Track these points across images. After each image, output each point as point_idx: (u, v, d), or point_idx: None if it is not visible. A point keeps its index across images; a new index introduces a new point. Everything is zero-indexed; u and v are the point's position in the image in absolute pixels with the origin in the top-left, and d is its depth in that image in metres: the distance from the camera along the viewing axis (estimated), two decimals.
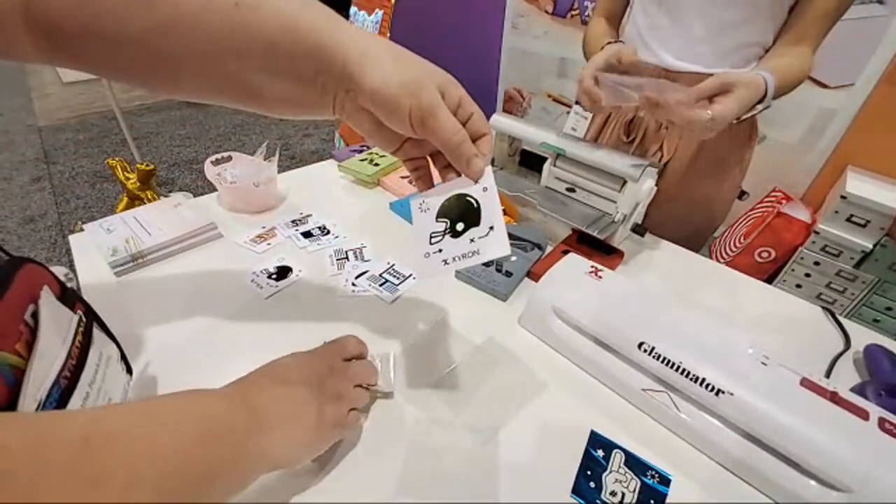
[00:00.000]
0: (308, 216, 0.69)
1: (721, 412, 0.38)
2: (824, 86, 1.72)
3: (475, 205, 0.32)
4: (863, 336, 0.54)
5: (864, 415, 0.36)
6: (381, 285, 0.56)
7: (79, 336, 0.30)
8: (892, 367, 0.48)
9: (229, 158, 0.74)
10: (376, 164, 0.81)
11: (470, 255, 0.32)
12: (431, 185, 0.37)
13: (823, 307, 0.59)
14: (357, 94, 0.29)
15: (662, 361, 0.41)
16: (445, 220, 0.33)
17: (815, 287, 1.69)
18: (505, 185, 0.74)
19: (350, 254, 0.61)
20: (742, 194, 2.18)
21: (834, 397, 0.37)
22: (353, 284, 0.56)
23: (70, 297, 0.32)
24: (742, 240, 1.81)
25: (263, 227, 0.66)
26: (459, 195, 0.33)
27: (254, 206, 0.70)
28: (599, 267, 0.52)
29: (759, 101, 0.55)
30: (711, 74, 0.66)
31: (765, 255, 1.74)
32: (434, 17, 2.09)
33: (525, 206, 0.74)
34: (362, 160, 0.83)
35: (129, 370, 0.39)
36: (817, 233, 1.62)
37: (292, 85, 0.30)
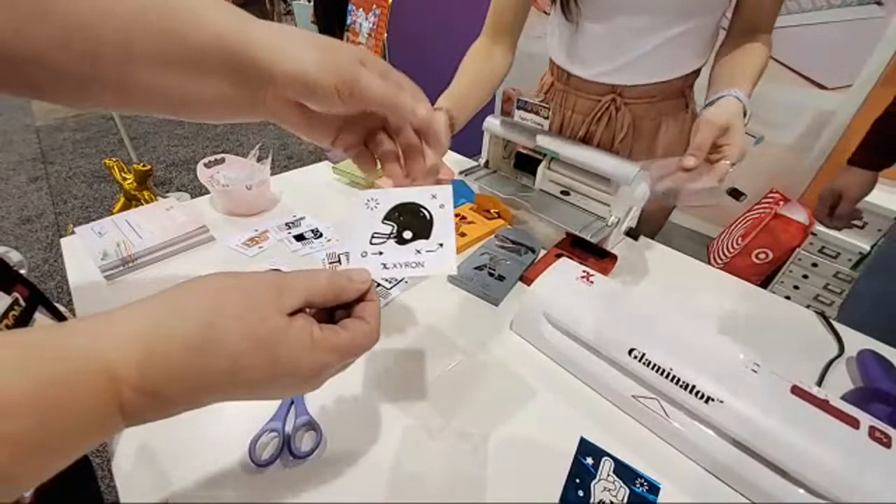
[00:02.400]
0: (301, 219, 0.69)
1: (711, 420, 0.38)
2: (822, 87, 1.71)
3: (427, 217, 0.32)
4: (856, 341, 0.54)
5: (854, 423, 0.36)
6: None
7: (8, 318, 0.31)
8: (884, 373, 0.48)
9: (222, 161, 0.74)
10: None
11: (413, 265, 0.30)
12: (374, 164, 0.34)
13: (818, 312, 0.59)
14: (277, 86, 0.28)
15: (653, 368, 0.41)
16: (392, 224, 0.32)
17: (813, 289, 1.68)
18: (498, 187, 0.74)
19: (342, 257, 0.61)
20: (739, 195, 2.18)
21: (824, 405, 0.37)
22: None
23: (9, 279, 0.33)
24: (739, 241, 1.81)
25: (256, 230, 0.66)
26: (413, 203, 0.32)
27: (247, 209, 0.70)
28: (591, 272, 0.51)
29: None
30: (655, 84, 0.68)
31: (762, 256, 1.74)
32: (432, 17, 2.09)
33: (519, 209, 0.74)
34: None
35: None
36: (815, 234, 1.61)
37: (211, 86, 0.28)
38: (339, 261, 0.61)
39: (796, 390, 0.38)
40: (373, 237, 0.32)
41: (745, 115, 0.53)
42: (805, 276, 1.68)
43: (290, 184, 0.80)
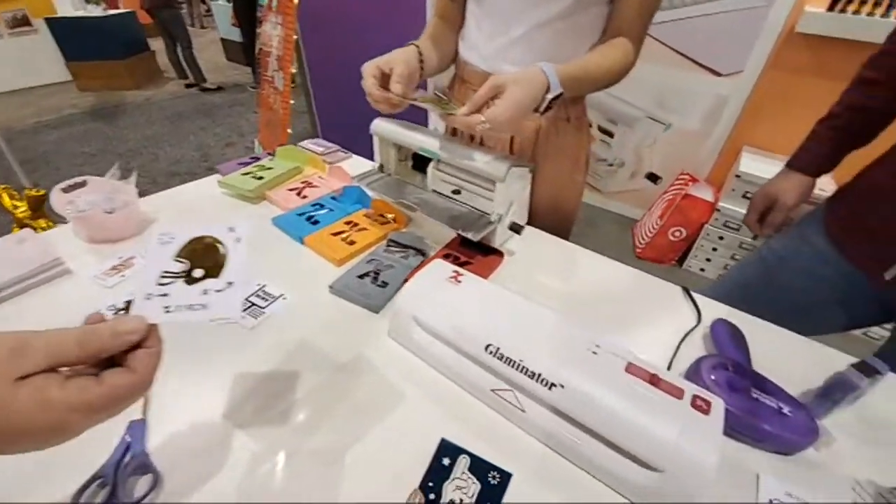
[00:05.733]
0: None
1: (556, 405, 0.40)
2: (717, 74, 1.86)
3: (221, 252, 0.31)
4: (715, 311, 0.59)
5: (679, 394, 0.39)
6: (244, 311, 0.53)
7: None
8: (731, 340, 0.53)
9: (83, 184, 0.68)
10: (260, 178, 0.77)
11: (197, 307, 0.29)
12: None
13: (682, 287, 0.63)
14: None
15: (506, 361, 0.42)
16: (184, 261, 0.31)
17: (723, 259, 1.83)
18: (389, 191, 0.73)
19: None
20: (656, 179, 2.31)
21: (654, 380, 0.39)
22: None
23: None
24: (658, 221, 1.94)
25: (120, 258, 0.61)
26: (210, 238, 0.31)
27: (113, 235, 0.65)
28: (461, 271, 0.52)
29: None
30: None
31: (677, 234, 1.87)
32: (348, 15, 2.02)
33: (415, 211, 0.74)
34: (245, 174, 0.79)
35: None
36: (719, 210, 1.75)
37: None
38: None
39: (630, 368, 0.40)
40: (162, 277, 0.30)
41: (548, 90, 0.54)
42: (714, 249, 1.83)
43: (172, 202, 0.75)
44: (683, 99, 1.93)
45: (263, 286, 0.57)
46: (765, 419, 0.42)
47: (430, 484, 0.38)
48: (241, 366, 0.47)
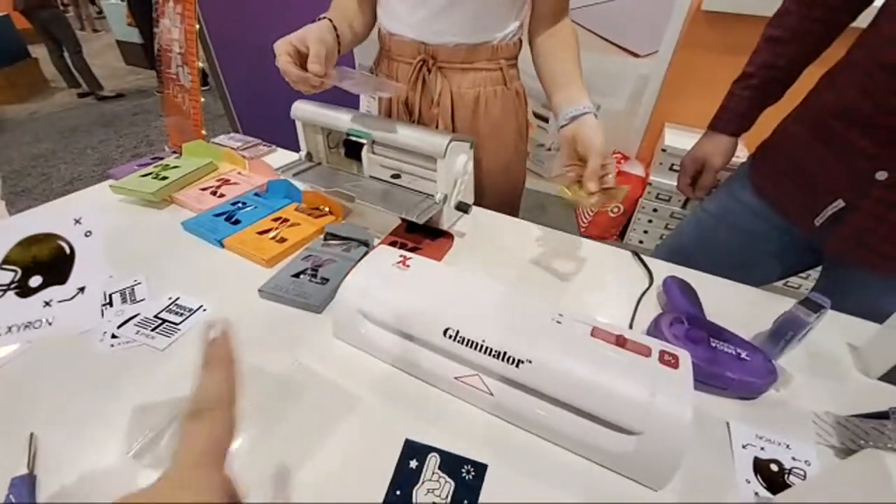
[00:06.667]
0: None
1: (526, 382, 0.37)
2: (636, 55, 1.96)
3: (68, 253, 0.25)
4: (667, 270, 0.59)
5: (646, 352, 0.37)
6: (153, 329, 0.44)
7: None
8: (682, 294, 0.53)
9: None
10: (164, 178, 0.67)
11: (37, 324, 0.24)
12: None
13: (632, 251, 0.63)
14: None
15: (467, 344, 0.38)
16: (15, 267, 0.24)
17: (658, 230, 1.94)
18: (320, 181, 0.67)
19: (115, 297, 0.48)
20: None
21: (620, 341, 0.38)
22: (114, 337, 0.43)
23: None
24: None
25: None
26: (48, 235, 0.25)
27: None
28: (409, 255, 0.47)
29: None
30: (466, 44, 0.66)
31: (616, 210, 1.95)
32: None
33: (352, 201, 0.67)
34: (145, 175, 0.68)
35: None
36: (650, 184, 1.85)
37: None
38: (110, 302, 0.48)
39: (596, 332, 0.38)
40: None
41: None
42: (650, 221, 1.93)
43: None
44: (609, 81, 2.02)
45: (176, 300, 0.49)
46: (727, 366, 0.42)
47: (398, 492, 0.33)
48: (153, 395, 0.39)
